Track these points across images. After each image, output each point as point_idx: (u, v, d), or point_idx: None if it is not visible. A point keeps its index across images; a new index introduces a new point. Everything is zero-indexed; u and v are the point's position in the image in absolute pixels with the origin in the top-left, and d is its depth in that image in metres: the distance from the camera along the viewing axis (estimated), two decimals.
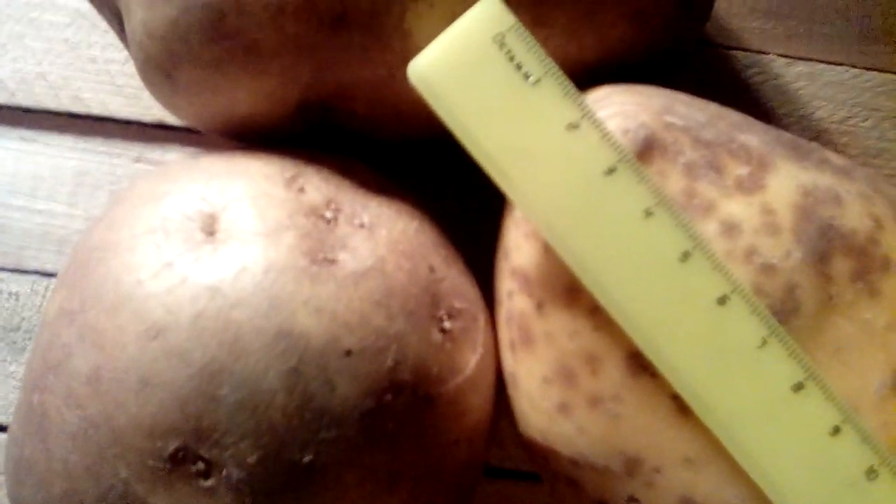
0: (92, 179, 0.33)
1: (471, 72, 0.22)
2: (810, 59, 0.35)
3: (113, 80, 0.32)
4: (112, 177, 0.33)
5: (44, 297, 0.32)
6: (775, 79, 0.34)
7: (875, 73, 0.35)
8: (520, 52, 0.22)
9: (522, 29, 0.22)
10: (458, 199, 0.32)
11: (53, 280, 0.32)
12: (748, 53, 0.35)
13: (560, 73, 0.22)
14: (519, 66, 0.22)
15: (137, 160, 0.33)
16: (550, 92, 0.22)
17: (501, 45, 0.22)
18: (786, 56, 0.35)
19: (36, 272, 0.32)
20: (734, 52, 0.34)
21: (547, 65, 0.22)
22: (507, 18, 0.22)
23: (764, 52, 0.35)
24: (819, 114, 0.34)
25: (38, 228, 0.32)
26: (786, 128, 0.34)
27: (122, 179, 0.33)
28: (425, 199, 0.30)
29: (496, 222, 0.27)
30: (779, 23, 0.35)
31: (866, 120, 0.35)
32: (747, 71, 0.34)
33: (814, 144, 0.26)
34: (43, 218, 0.33)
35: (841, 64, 0.35)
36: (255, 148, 0.25)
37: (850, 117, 0.35)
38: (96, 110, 0.33)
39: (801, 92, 0.34)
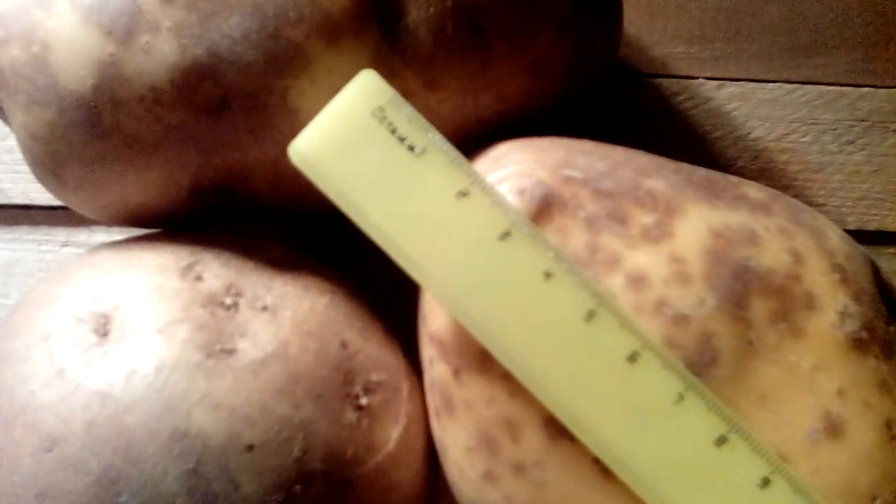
0: (22, 268, 0.32)
1: (353, 148, 0.22)
2: (741, 80, 0.34)
3: None
4: (42, 263, 0.33)
5: None
6: (706, 103, 0.34)
7: (810, 86, 0.34)
8: (401, 123, 0.22)
9: (401, 100, 0.22)
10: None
11: None
12: (676, 80, 0.34)
13: (444, 141, 0.22)
14: (402, 139, 0.22)
15: (65, 244, 0.33)
16: (437, 161, 0.22)
17: (382, 118, 0.22)
18: (715, 78, 0.34)
19: None
20: (661, 80, 0.34)
21: (430, 134, 0.22)
22: (385, 91, 0.22)
23: (692, 77, 0.34)
24: (756, 133, 0.34)
25: None
26: (723, 151, 0.34)
27: (51, 265, 0.32)
28: (351, 263, 0.30)
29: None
30: (704, 46, 0.34)
31: (805, 135, 0.34)
32: (677, 98, 0.34)
33: (733, 179, 0.26)
34: None
35: (773, 81, 0.34)
36: (153, 236, 0.25)
37: (788, 134, 0.34)
38: (18, 200, 0.32)
39: (734, 113, 0.34)
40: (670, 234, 0.23)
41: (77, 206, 0.25)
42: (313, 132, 0.22)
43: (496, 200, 0.22)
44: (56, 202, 0.32)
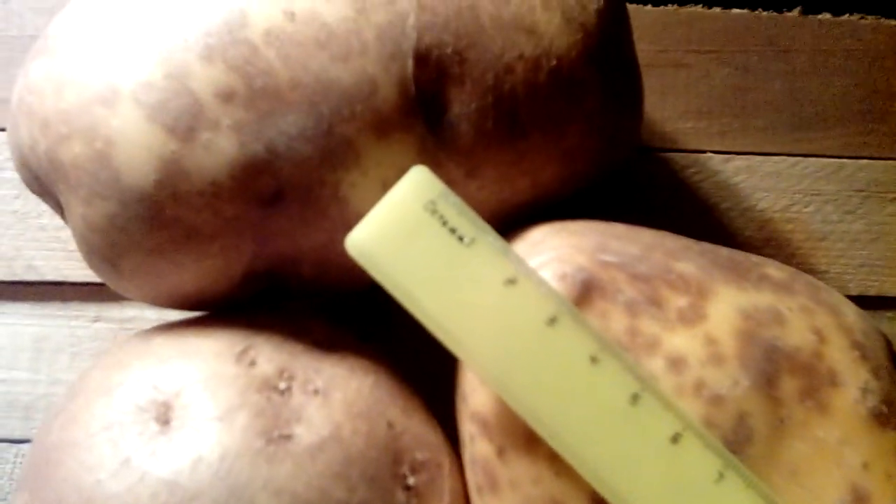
0: (52, 343, 0.33)
1: (407, 240, 0.23)
2: (747, 153, 0.36)
3: (65, 245, 0.33)
4: (73, 339, 0.33)
5: (13, 464, 0.32)
6: (714, 176, 0.35)
7: (812, 158, 0.36)
8: (451, 215, 0.23)
9: (451, 193, 0.23)
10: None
11: (22, 447, 0.32)
12: (685, 154, 0.35)
13: (492, 231, 0.23)
14: (453, 230, 0.23)
15: (96, 320, 0.33)
16: (485, 251, 0.23)
17: (433, 211, 0.23)
18: (722, 152, 0.36)
19: (3, 440, 0.32)
20: (671, 155, 0.35)
21: (479, 225, 0.23)
22: (436, 185, 0.23)
23: (700, 151, 0.36)
24: (762, 205, 0.35)
25: (2, 397, 0.32)
26: (731, 221, 0.35)
27: (83, 340, 0.33)
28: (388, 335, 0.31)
29: None
30: (712, 121, 0.36)
31: (808, 205, 0.35)
32: (686, 171, 0.35)
33: (754, 259, 0.27)
34: (6, 386, 0.33)
35: (778, 154, 0.36)
36: (204, 320, 0.26)
37: (792, 204, 0.35)
38: (51, 276, 0.33)
39: (741, 185, 0.35)
40: (703, 316, 0.24)
41: (130, 293, 0.26)
42: (369, 225, 0.23)
43: (542, 287, 0.23)
44: (88, 278, 0.33)
